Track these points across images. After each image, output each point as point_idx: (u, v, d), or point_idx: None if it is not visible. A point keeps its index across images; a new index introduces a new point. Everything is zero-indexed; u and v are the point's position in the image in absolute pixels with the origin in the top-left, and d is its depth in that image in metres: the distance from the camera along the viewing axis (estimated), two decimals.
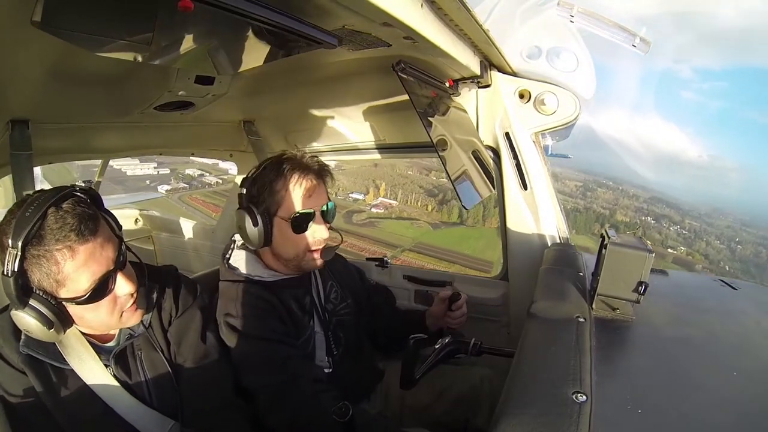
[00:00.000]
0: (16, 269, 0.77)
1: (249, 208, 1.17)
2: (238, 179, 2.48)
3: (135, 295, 0.94)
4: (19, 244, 0.76)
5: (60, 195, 0.82)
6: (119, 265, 0.88)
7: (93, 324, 0.93)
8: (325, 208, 1.22)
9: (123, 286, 0.90)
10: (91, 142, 1.67)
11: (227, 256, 1.28)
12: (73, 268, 0.81)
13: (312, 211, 1.18)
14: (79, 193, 0.86)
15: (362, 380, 1.40)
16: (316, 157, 1.25)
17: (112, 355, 0.99)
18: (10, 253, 0.76)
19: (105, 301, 0.88)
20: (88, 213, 0.83)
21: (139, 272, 0.98)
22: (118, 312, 0.92)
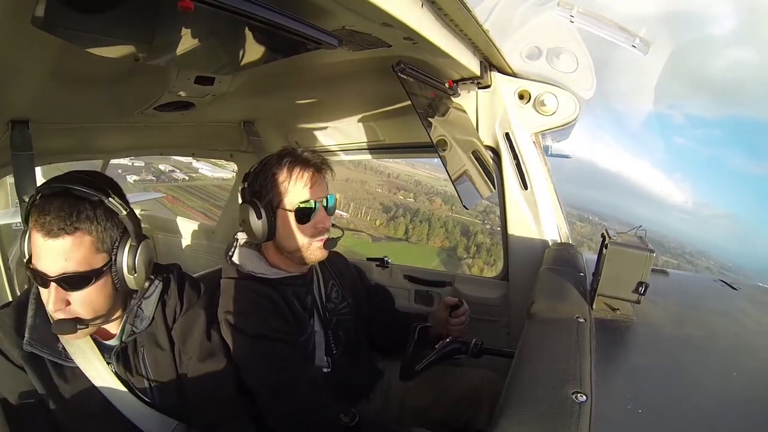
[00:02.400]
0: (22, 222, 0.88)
1: (252, 201, 1.18)
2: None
3: (59, 313, 0.89)
4: (27, 211, 0.86)
5: (47, 188, 0.87)
6: (61, 279, 0.85)
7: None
8: (325, 201, 1.23)
9: (50, 300, 0.87)
10: (92, 142, 1.67)
11: (230, 253, 1.28)
12: (39, 246, 0.85)
13: (314, 202, 1.20)
14: (83, 189, 0.87)
15: (361, 380, 1.40)
16: (317, 152, 1.26)
17: (114, 353, 0.99)
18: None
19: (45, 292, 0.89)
20: (68, 213, 0.84)
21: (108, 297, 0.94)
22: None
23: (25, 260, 0.89)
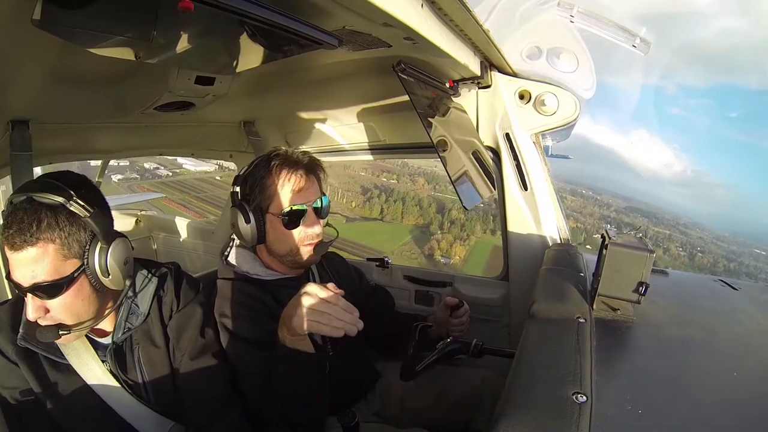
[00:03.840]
0: None
1: (241, 205, 1.17)
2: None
3: (40, 320, 0.89)
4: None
5: (15, 195, 0.86)
6: (34, 289, 0.85)
7: None
8: (318, 204, 1.21)
9: (29, 308, 0.87)
10: (92, 143, 1.68)
11: (226, 254, 1.28)
12: (9, 259, 0.85)
13: (303, 206, 1.17)
14: (45, 195, 0.84)
15: (359, 381, 1.40)
16: (307, 153, 1.24)
17: (109, 350, 0.99)
18: None
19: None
20: (28, 224, 0.82)
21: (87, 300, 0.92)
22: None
23: (5, 272, 0.88)
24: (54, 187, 0.86)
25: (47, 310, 0.88)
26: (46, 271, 0.84)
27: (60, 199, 0.85)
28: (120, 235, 0.96)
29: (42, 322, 0.88)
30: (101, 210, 0.92)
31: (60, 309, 0.88)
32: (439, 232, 36.02)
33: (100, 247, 0.91)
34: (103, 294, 0.95)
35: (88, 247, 0.89)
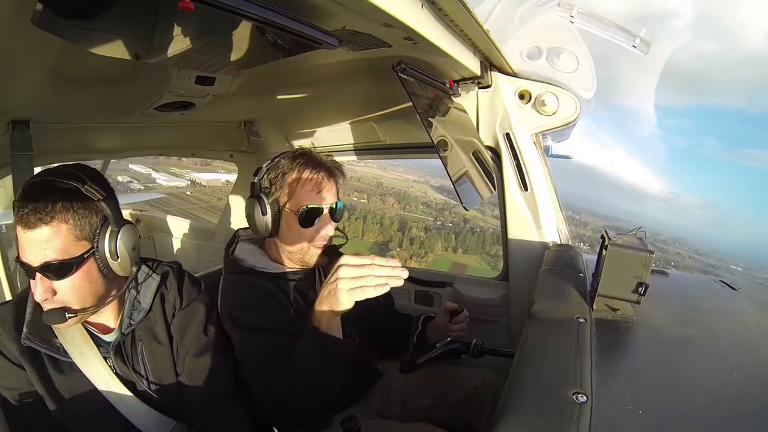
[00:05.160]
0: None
1: (260, 197, 1.19)
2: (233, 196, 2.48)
3: (47, 303, 0.90)
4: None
5: (29, 183, 0.88)
6: (43, 268, 0.86)
7: None
8: (333, 206, 1.23)
9: (36, 290, 0.88)
10: (92, 143, 1.68)
11: (231, 249, 1.29)
12: (21, 239, 0.87)
13: (320, 206, 1.20)
14: (60, 180, 0.87)
15: (361, 379, 1.40)
16: (331, 156, 1.26)
17: (112, 347, 1.00)
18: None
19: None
20: (44, 204, 0.85)
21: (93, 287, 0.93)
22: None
23: (16, 255, 0.90)
24: (69, 173, 0.89)
25: (54, 292, 0.89)
26: (57, 250, 0.86)
27: (75, 184, 0.88)
28: (129, 222, 0.98)
29: (48, 306, 0.89)
30: (112, 196, 0.95)
31: (68, 291, 0.89)
32: (397, 249, 36.93)
33: (111, 231, 0.93)
34: (109, 280, 0.96)
35: (98, 230, 0.92)
